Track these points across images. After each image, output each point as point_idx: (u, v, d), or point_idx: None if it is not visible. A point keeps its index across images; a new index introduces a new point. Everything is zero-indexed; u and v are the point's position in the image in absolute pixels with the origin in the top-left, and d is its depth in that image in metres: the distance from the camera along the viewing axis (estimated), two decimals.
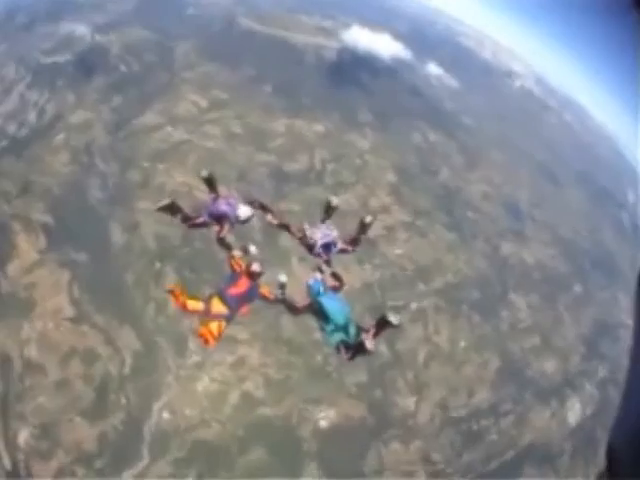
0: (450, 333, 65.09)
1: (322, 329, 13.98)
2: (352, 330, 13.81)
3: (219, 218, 15.37)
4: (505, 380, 64.14)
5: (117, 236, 61.94)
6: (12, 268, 60.56)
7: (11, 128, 74.05)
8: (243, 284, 14.18)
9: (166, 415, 55.24)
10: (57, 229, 63.75)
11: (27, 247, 62.13)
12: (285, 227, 15.94)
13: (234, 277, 14.34)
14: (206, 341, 12.81)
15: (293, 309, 15.00)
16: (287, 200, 68.33)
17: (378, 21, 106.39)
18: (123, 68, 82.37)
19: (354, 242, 15.39)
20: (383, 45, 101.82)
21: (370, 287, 64.61)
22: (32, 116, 75.61)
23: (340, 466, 55.68)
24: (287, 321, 58.47)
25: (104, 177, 69.51)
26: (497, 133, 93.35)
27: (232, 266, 14.73)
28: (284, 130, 76.42)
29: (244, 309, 13.99)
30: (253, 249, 15.34)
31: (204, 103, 77.47)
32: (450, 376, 62.55)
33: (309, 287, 14.67)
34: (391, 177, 74.77)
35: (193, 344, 57.56)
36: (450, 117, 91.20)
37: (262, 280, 14.20)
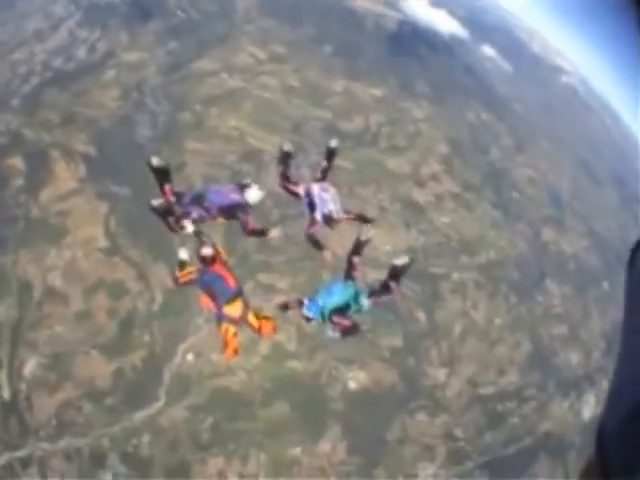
0: (487, 310, 63.68)
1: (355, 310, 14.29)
2: (352, 285, 14.53)
3: (229, 210, 14.90)
4: (533, 365, 62.84)
5: None
6: (45, 194, 59.31)
7: (57, 62, 72.92)
8: (223, 271, 13.95)
9: (190, 358, 53.63)
10: (99, 161, 62.49)
11: (65, 175, 60.89)
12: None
13: (212, 279, 13.86)
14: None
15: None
16: (340, 157, 65.59)
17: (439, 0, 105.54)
18: (181, 14, 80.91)
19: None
20: (441, 21, 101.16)
21: (414, 251, 62.46)
22: (81, 52, 74.34)
23: (364, 431, 54.28)
24: (328, 273, 57.24)
25: (154, 116, 68.12)
26: (544, 123, 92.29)
27: (189, 281, 14.33)
28: (341, 90, 75.03)
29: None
30: (183, 253, 14.62)
31: (262, 55, 76.17)
32: (483, 353, 61.22)
33: (310, 318, 14.31)
34: (443, 148, 73.42)
35: None
36: (502, 100, 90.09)
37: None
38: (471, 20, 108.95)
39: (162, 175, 15.00)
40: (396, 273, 14.46)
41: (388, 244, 61.40)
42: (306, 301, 14.23)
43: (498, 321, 63.67)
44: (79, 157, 62.43)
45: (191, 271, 14.27)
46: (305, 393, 54.56)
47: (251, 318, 13.87)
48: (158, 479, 49.63)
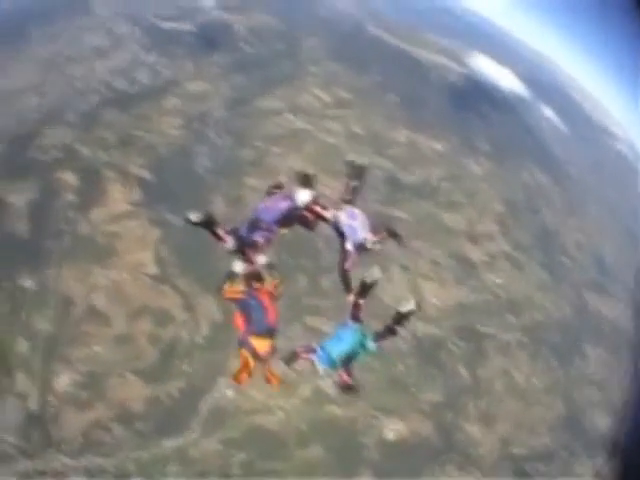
0: (528, 371, 63.26)
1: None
2: (370, 343, 14.17)
3: (286, 219, 14.65)
4: (565, 427, 62.12)
5: (219, 207, 60.50)
6: (97, 213, 59.70)
7: (118, 83, 73.55)
8: (268, 301, 13.49)
9: (229, 392, 53.12)
10: (155, 187, 62.84)
11: (118, 196, 61.23)
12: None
13: (255, 305, 13.47)
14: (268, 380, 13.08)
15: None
16: (398, 208, 67.29)
17: (500, 55, 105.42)
18: (248, 49, 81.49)
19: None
20: (504, 79, 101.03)
21: (463, 308, 62.90)
22: (144, 76, 74.97)
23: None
24: (377, 324, 56.99)
25: (215, 148, 68.54)
26: (594, 187, 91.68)
27: (234, 299, 13.93)
28: (404, 141, 75.01)
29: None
30: (239, 266, 14.31)
31: (327, 99, 76.33)
32: (519, 413, 60.72)
33: (327, 369, 13.98)
34: (499, 207, 73.22)
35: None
36: (557, 162, 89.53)
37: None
38: (531, 78, 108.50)
39: (209, 224, 14.55)
40: (400, 319, 14.49)
41: (438, 298, 61.57)
42: (317, 350, 13.86)
43: (537, 382, 63.11)
44: (134, 180, 62.98)
45: (241, 290, 14.04)
46: (341, 439, 54.25)
47: (269, 366, 13.45)
48: None
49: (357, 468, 53.81)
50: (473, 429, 58.46)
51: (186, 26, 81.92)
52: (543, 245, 73.98)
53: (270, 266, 14.39)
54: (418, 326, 59.55)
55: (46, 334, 52.97)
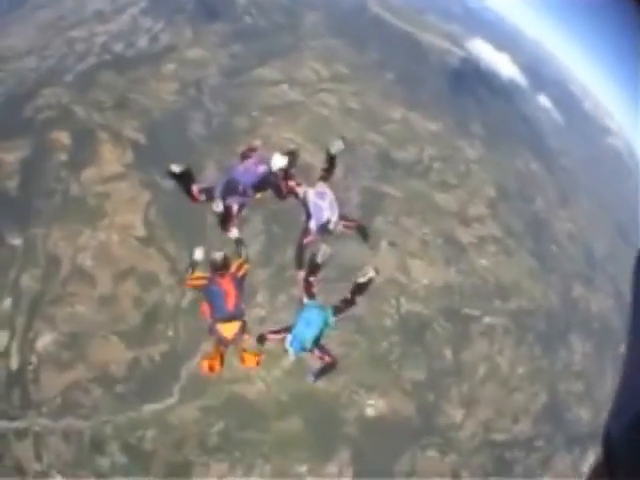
0: (512, 357, 62.83)
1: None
2: (330, 318, 14.07)
3: (262, 184, 14.55)
4: (546, 417, 61.99)
5: (210, 173, 59.93)
6: (88, 173, 59.13)
7: (117, 46, 73.25)
8: (229, 286, 13.25)
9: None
10: (147, 150, 62.19)
11: (111, 158, 60.69)
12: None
13: (215, 291, 13.31)
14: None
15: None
16: (390, 185, 66.65)
17: (500, 42, 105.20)
18: (248, 20, 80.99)
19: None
20: (502, 65, 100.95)
21: (451, 289, 62.39)
22: (143, 41, 74.67)
23: (372, 459, 53.35)
24: (362, 300, 56.50)
25: (209, 115, 68.11)
26: (587, 180, 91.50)
27: (196, 287, 13.88)
28: (399, 118, 74.40)
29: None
30: (199, 253, 14.10)
31: (324, 73, 75.75)
32: (501, 399, 60.39)
33: (298, 353, 13.94)
34: (491, 191, 72.71)
35: (262, 297, 55.59)
36: (551, 152, 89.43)
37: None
38: (530, 68, 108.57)
39: (186, 179, 14.60)
40: (359, 289, 14.22)
41: (426, 278, 61.13)
42: (288, 337, 13.70)
43: (520, 369, 62.80)
44: (127, 142, 62.45)
45: (202, 277, 13.83)
46: (321, 412, 53.78)
47: (240, 347, 13.51)
48: (157, 475, 48.77)
49: (335, 443, 53.35)
50: (455, 412, 58.11)
51: None
52: (534, 233, 73.59)
53: (239, 242, 14.50)
54: (404, 304, 59.18)
55: (32, 293, 52.34)
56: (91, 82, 67.08)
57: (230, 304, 13.07)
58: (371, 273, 14.04)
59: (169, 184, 56.59)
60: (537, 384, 63.04)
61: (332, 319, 14.10)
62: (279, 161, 14.18)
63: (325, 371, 14.51)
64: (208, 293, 13.39)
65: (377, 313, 57.09)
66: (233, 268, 13.56)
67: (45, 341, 50.62)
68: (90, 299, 52.69)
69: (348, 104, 73.39)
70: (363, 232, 15.60)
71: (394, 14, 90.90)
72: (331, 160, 15.33)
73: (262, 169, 14.35)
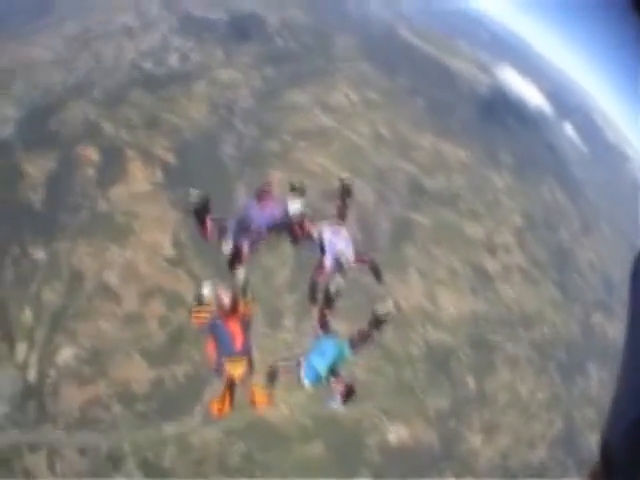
0: (532, 385, 62.95)
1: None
2: (346, 350, 12.76)
3: (277, 226, 13.69)
4: (560, 443, 62.02)
5: (241, 195, 59.91)
6: (116, 191, 59.17)
7: (147, 64, 73.63)
8: (236, 327, 12.60)
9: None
10: (177, 170, 62.14)
11: (140, 176, 60.73)
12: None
13: (222, 330, 12.60)
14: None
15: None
16: (419, 213, 66.59)
17: (526, 70, 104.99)
18: (280, 42, 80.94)
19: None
20: (529, 93, 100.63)
21: (476, 318, 62.35)
22: (173, 59, 75.11)
23: None
24: (390, 326, 56.46)
25: (240, 137, 67.92)
26: (609, 209, 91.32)
27: (201, 323, 12.91)
28: (429, 146, 74.34)
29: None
30: (207, 288, 13.73)
31: (356, 98, 75.71)
32: (520, 426, 60.46)
33: (315, 382, 12.81)
34: (517, 220, 72.66)
35: (289, 322, 55.68)
36: (576, 182, 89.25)
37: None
38: (555, 95, 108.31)
39: (203, 209, 13.52)
40: (377, 323, 12.95)
41: (453, 306, 61.01)
42: (303, 363, 12.76)
43: (540, 397, 62.89)
44: (157, 161, 62.36)
45: (207, 311, 12.92)
46: (343, 437, 53.46)
47: (250, 385, 12.59)
48: None
49: (357, 468, 52.97)
50: (475, 439, 57.88)
51: (219, 14, 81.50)
52: (558, 262, 73.40)
53: (246, 282, 13.17)
54: (430, 331, 59.06)
55: (54, 307, 52.18)
56: (120, 99, 67.24)
57: (238, 344, 12.51)
58: (390, 308, 12.92)
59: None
60: (554, 411, 63.05)
61: (348, 351, 13.06)
62: (295, 206, 13.44)
63: (347, 397, 13.17)
64: (214, 330, 12.78)
65: (404, 340, 56.85)
66: (240, 309, 12.88)
67: (66, 355, 50.41)
68: (114, 316, 52.54)
69: (379, 130, 73.09)
70: (376, 271, 14.37)
71: (423, 39, 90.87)
72: (345, 194, 15.24)
73: (278, 211, 13.66)
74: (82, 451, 48.47)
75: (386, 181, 65.76)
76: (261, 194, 14.01)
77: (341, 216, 14.50)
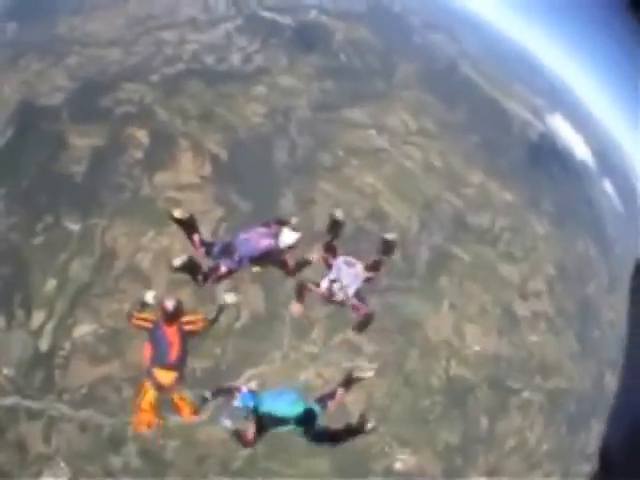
0: (540, 434, 61.36)
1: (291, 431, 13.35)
2: (317, 409, 13.45)
3: (262, 258, 14.21)
4: None
5: (288, 203, 58.93)
6: (162, 178, 57.77)
7: (209, 59, 72.31)
8: (174, 337, 12.94)
9: (253, 385, 51.13)
10: (227, 167, 60.75)
11: (189, 167, 59.27)
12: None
13: (160, 338, 13.05)
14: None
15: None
16: (459, 247, 65.50)
17: (576, 122, 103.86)
18: (343, 58, 79.94)
19: (376, 265, 14.66)
20: (577, 145, 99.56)
21: (499, 359, 61.31)
22: (236, 58, 73.58)
23: None
24: (415, 354, 55.56)
25: (294, 145, 66.47)
26: (630, 266, 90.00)
27: (140, 327, 13.89)
28: (477, 183, 73.42)
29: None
30: (150, 296, 13.26)
31: (413, 125, 74.59)
32: (520, 473, 58.51)
33: (240, 409, 13.53)
34: (551, 269, 71.55)
35: (317, 335, 54.35)
36: (608, 240, 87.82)
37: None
38: (599, 152, 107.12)
39: (188, 226, 15.00)
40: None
41: (478, 344, 60.13)
42: (244, 392, 13.38)
43: (545, 447, 61.24)
44: (208, 155, 61.02)
45: (149, 319, 13.76)
46: (350, 458, 51.22)
47: (177, 396, 13.77)
48: None
49: None
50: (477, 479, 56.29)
51: (286, 20, 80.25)
52: (582, 316, 71.99)
53: (221, 308, 14.64)
54: (453, 366, 58.14)
55: (80, 281, 51.01)
56: (178, 88, 66.27)
57: (173, 355, 12.89)
58: (371, 373, 14.27)
59: (245, 205, 55.60)
60: (555, 463, 61.41)
61: (318, 408, 13.76)
62: (288, 238, 14.03)
63: (364, 324, 14.57)
64: (153, 337, 13.39)
65: (426, 370, 56.06)
66: (185, 319, 13.47)
67: (83, 331, 49.12)
68: (141, 300, 51.50)
69: (431, 160, 72.12)
70: (364, 323, 15.18)
71: (484, 77, 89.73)
72: (334, 230, 15.26)
73: (265, 243, 14.16)
74: (83, 427, 47.26)
75: (432, 211, 65.03)
76: (267, 224, 14.86)
77: (329, 253, 14.03)
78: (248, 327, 53.26)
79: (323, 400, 13.53)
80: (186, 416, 12.84)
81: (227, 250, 14.32)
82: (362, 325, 14.75)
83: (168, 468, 47.66)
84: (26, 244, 52.38)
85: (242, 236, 14.59)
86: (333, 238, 15.12)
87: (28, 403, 46.66)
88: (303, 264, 15.18)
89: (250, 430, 13.06)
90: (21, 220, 53.61)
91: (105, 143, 58.72)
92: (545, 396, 63.27)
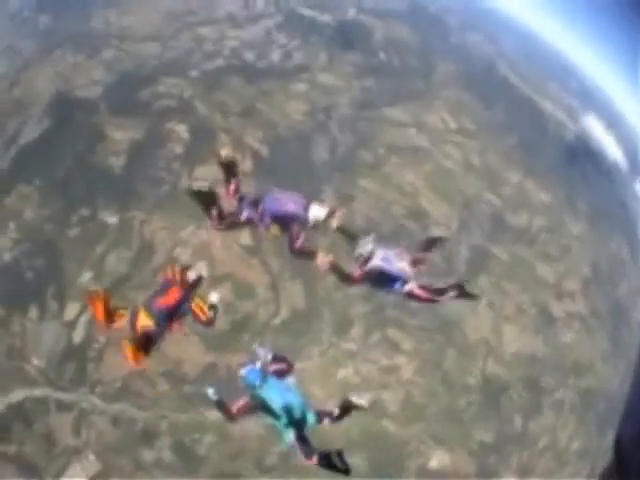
0: (571, 433, 60.77)
1: (275, 425, 12.63)
2: (311, 419, 12.84)
3: (284, 220, 13.83)
4: None
5: (328, 200, 57.85)
6: (202, 171, 56.85)
7: (248, 55, 71.61)
8: (173, 295, 12.77)
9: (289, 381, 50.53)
10: (268, 163, 60.09)
11: None
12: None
13: (164, 286, 13.01)
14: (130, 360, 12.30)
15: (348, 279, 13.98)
16: (498, 246, 64.95)
17: (609, 123, 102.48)
18: (383, 56, 79.01)
19: (420, 262, 13.55)
20: (610, 146, 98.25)
21: (534, 359, 60.73)
22: (276, 55, 73.11)
23: None
24: (454, 352, 54.83)
25: (334, 143, 65.95)
26: None
27: (166, 274, 13.45)
28: (516, 183, 72.67)
29: (175, 325, 12.71)
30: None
31: (452, 124, 73.92)
32: (551, 472, 58.03)
33: (243, 379, 13.19)
34: (586, 270, 70.92)
35: (356, 332, 53.68)
36: (638, 242, 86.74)
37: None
38: (631, 153, 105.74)
39: (229, 170, 14.87)
40: (347, 410, 13.34)
41: (515, 344, 59.53)
42: (245, 370, 13.27)
43: (575, 446, 60.56)
44: (249, 151, 60.46)
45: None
46: (386, 456, 51.43)
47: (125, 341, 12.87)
48: None
49: None
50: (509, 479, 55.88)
51: (326, 18, 79.31)
52: (614, 317, 71.14)
53: (212, 307, 13.67)
54: (490, 365, 57.59)
55: (117, 274, 50.85)
56: (218, 83, 65.98)
57: (160, 303, 12.61)
58: (365, 402, 13.26)
59: None
60: (583, 462, 60.37)
61: (312, 417, 13.18)
62: (319, 212, 13.64)
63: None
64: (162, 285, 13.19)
65: (464, 369, 55.72)
66: (197, 301, 13.16)
67: (119, 324, 48.37)
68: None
69: (470, 159, 71.45)
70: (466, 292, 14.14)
71: (521, 78, 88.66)
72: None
73: (292, 208, 13.79)
74: (115, 421, 47.03)
75: (471, 209, 64.44)
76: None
77: (416, 263, 13.21)
78: (287, 323, 52.88)
79: (322, 415, 12.73)
80: (129, 360, 12.12)
81: (254, 202, 14.10)
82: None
83: (201, 463, 47.31)
84: (61, 236, 52.34)
85: (273, 194, 14.20)
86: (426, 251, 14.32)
87: (59, 395, 46.62)
88: (308, 253, 14.29)
89: (240, 403, 12.27)
90: (56, 212, 53.57)
91: (144, 136, 58.61)
92: (577, 396, 62.71)
